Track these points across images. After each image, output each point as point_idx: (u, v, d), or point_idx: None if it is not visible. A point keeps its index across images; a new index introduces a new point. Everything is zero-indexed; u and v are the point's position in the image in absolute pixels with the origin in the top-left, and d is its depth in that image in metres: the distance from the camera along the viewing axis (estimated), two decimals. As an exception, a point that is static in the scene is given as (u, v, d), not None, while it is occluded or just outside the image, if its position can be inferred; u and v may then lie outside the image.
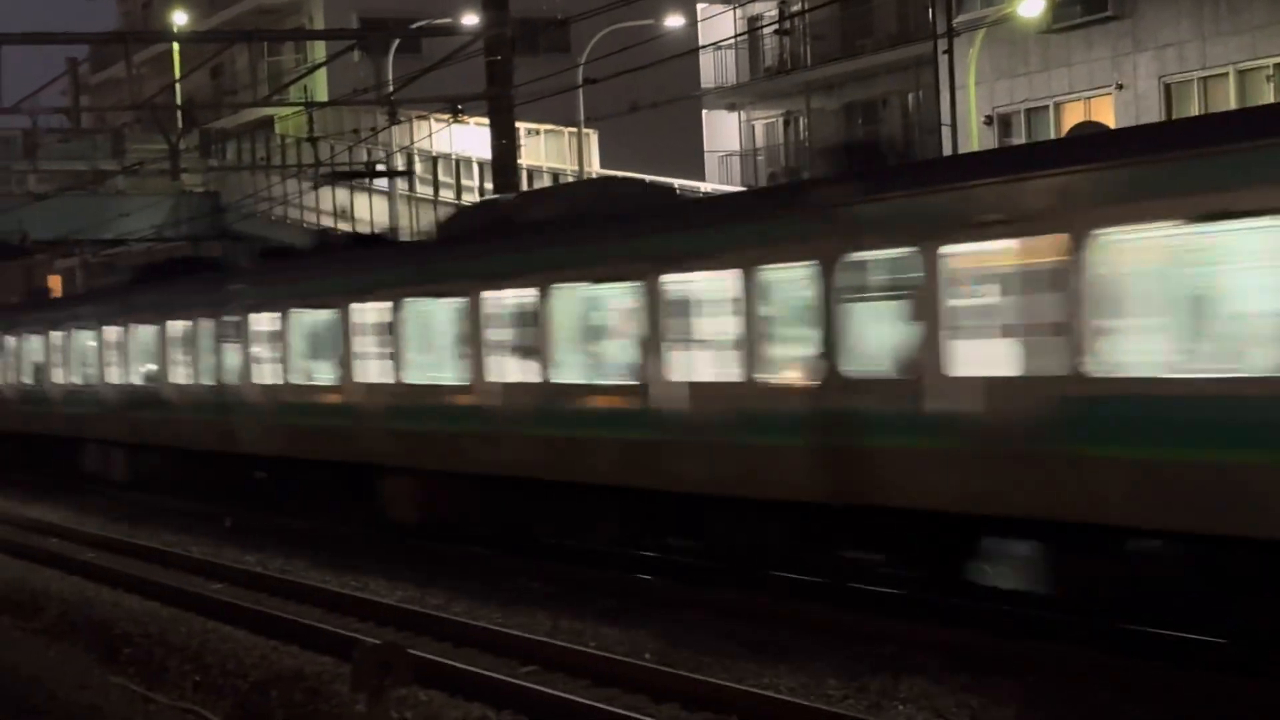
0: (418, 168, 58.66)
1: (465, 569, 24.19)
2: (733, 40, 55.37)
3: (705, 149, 64.12)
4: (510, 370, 23.58)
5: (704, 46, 52.54)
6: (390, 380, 26.38)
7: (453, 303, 24.68)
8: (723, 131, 63.64)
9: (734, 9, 57.82)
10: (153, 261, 46.28)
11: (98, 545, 29.61)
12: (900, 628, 17.82)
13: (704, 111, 63.40)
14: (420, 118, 54.27)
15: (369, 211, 57.61)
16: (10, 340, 46.08)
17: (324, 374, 28.70)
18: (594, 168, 57.76)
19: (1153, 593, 15.74)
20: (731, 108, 62.70)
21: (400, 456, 26.29)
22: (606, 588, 21.81)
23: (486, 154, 37.31)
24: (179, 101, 59.96)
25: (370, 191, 57.47)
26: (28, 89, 35.75)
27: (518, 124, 34.35)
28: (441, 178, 58.10)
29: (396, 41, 52.24)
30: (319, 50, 58.32)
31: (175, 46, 71.23)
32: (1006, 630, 17.39)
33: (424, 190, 58.41)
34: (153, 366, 35.70)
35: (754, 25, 57.91)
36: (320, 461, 28.92)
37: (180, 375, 34.08)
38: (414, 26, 48.54)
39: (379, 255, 28.61)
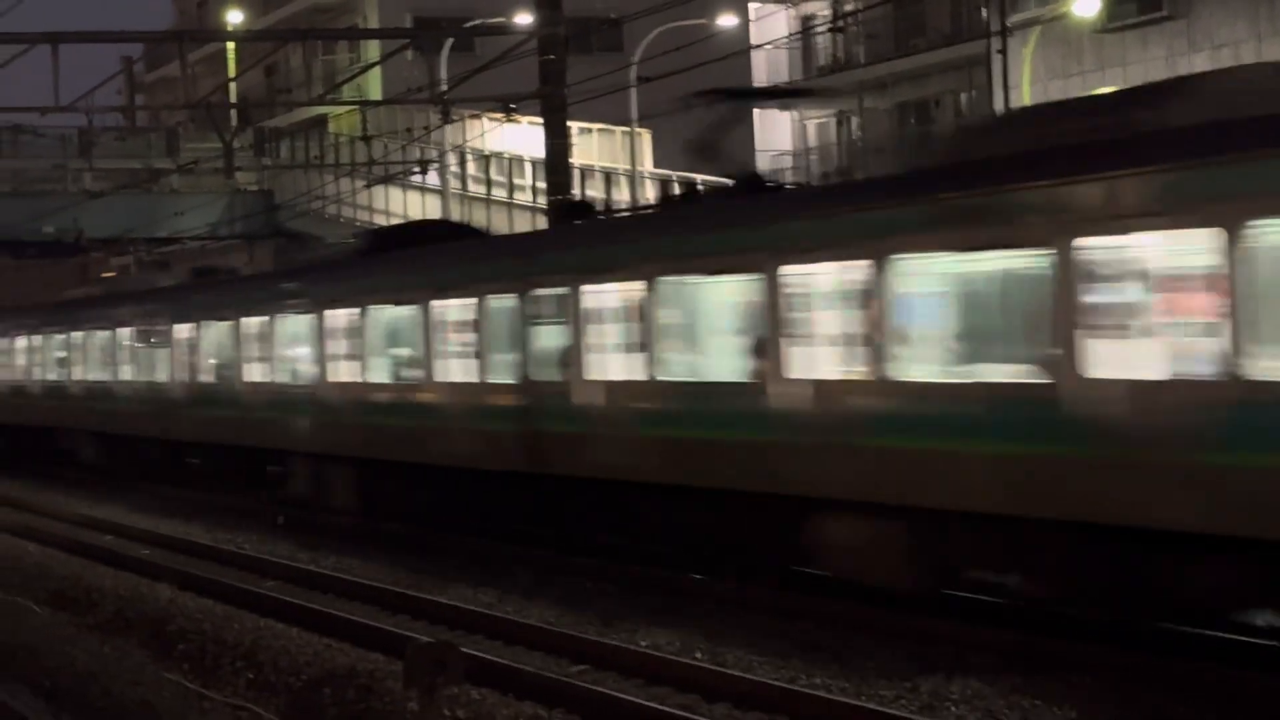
0: (470, 166, 58.74)
1: (516, 567, 24.20)
2: (786, 39, 55.31)
3: (757, 148, 64.05)
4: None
5: (757, 45, 52.49)
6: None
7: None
8: (775, 131, 63.57)
9: (787, 8, 57.76)
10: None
11: (152, 542, 29.73)
12: (952, 628, 17.78)
13: (756, 110, 63.35)
14: (473, 116, 54.34)
15: (421, 210, 57.71)
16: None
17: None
18: (647, 167, 57.76)
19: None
20: (784, 107, 62.64)
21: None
22: (657, 586, 21.80)
23: (539, 153, 37.35)
24: (233, 100, 60.27)
25: (423, 190, 57.58)
26: (84, 88, 35.93)
27: (570, 123, 34.33)
28: (494, 177, 58.17)
29: (450, 40, 52.40)
30: (373, 49, 58.43)
31: (230, 45, 71.51)
32: (1058, 631, 17.33)
33: (476, 189, 58.50)
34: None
35: (807, 24, 57.85)
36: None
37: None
38: (467, 25, 48.65)
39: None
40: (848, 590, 19.64)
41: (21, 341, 48.78)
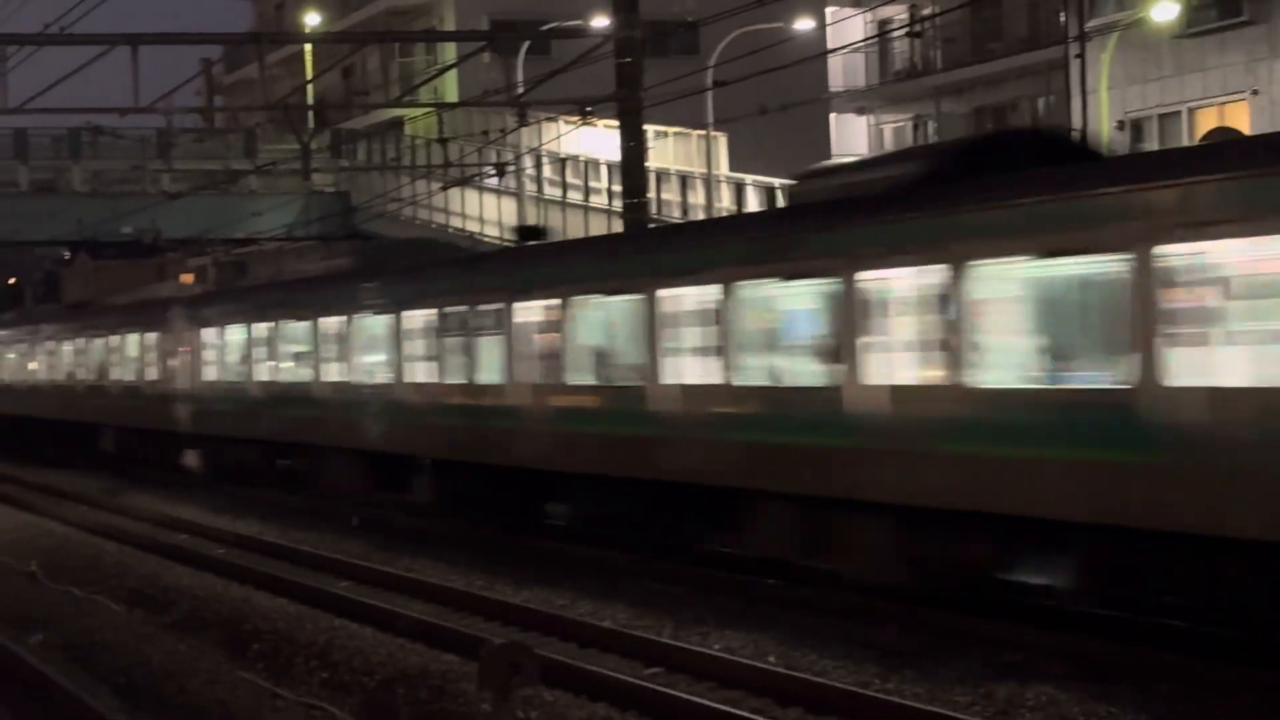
0: (546, 169, 58.83)
1: (590, 569, 24.22)
2: (862, 43, 55.18)
3: (833, 152, 63.93)
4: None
5: (833, 50, 52.38)
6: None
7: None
8: (851, 135, 63.44)
9: (864, 12, 57.61)
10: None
11: (228, 542, 29.90)
12: (1028, 634, 17.69)
13: (832, 115, 63.24)
14: (549, 119, 54.42)
15: (497, 213, 57.85)
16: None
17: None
18: (722, 170, 57.72)
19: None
20: (860, 111, 62.51)
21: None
22: (731, 590, 21.78)
23: (615, 156, 37.37)
24: (311, 102, 60.54)
25: (499, 193, 57.70)
26: (163, 89, 36.14)
27: (646, 126, 34.35)
28: (570, 180, 58.24)
29: (526, 43, 52.48)
30: (449, 51, 58.64)
31: (308, 47, 71.84)
32: (1135, 638, 17.22)
33: (552, 192, 58.58)
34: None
35: (884, 28, 57.71)
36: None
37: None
38: (544, 28, 48.73)
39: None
40: (923, 596, 19.59)
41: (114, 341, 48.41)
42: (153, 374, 44.61)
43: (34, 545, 30.36)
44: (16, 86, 34.63)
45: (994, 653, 17.29)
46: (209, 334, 40.45)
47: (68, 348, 52.59)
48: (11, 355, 60.31)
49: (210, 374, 40.35)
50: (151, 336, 44.88)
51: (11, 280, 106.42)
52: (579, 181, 57.91)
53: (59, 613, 23.05)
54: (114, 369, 48.17)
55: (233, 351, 39.07)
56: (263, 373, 37.05)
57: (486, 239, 57.26)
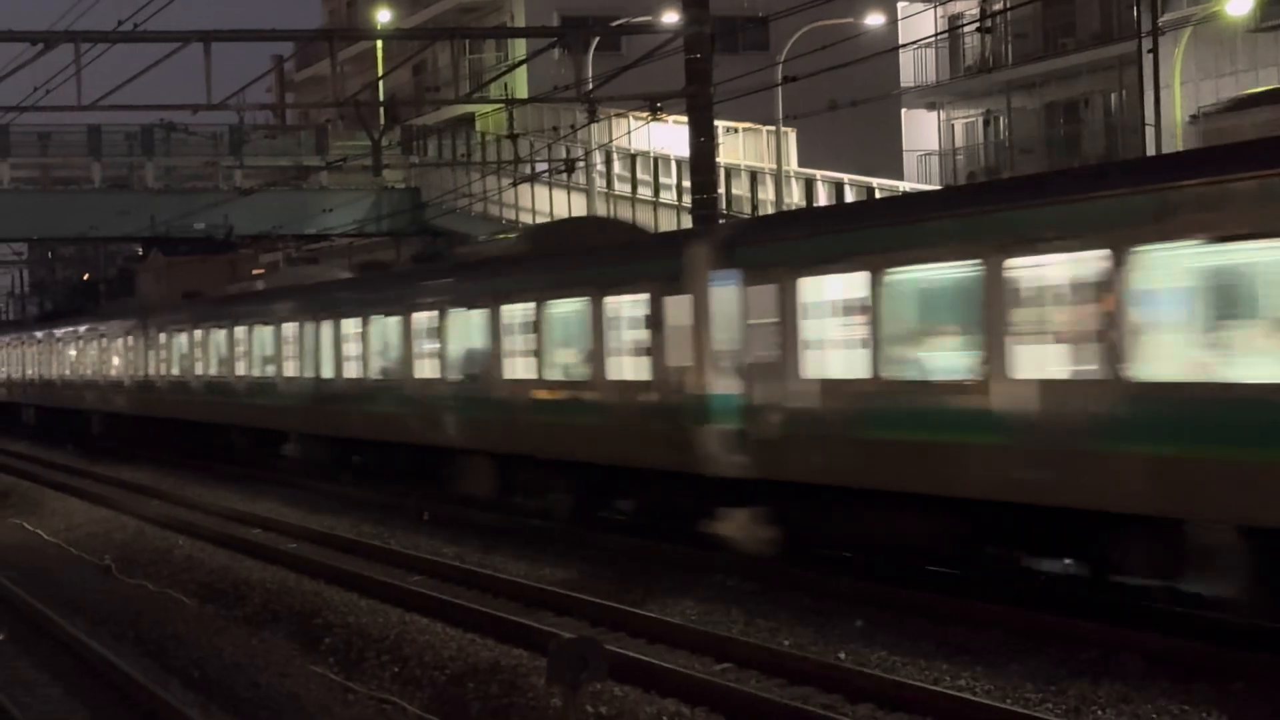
0: (616, 165, 58.89)
1: (660, 565, 24.21)
2: (933, 38, 55.05)
3: (904, 148, 63.83)
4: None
5: (904, 45, 52.31)
6: None
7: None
8: (922, 131, 63.37)
9: (935, 7, 57.50)
10: None
11: (299, 536, 30.02)
12: (1100, 631, 17.59)
13: (903, 110, 63.17)
14: (619, 115, 54.49)
15: (568, 209, 57.93)
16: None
17: None
18: (792, 166, 57.66)
19: None
20: (931, 106, 62.43)
21: None
22: (800, 587, 21.74)
23: (685, 152, 37.37)
24: (381, 98, 60.68)
25: (569, 189, 57.80)
26: (235, 86, 36.35)
27: (716, 122, 34.31)
28: (640, 175, 58.29)
29: (596, 39, 52.50)
30: (519, 48, 58.69)
31: (379, 44, 72.07)
32: (1211, 636, 17.09)
33: (622, 188, 58.64)
34: None
35: (955, 23, 57.59)
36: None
37: None
38: (614, 24, 48.74)
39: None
40: (994, 592, 19.50)
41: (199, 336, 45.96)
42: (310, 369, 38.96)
43: (108, 540, 30.59)
44: (90, 84, 34.81)
45: (1067, 649, 17.21)
46: (349, 325, 36.13)
47: (183, 339, 47.96)
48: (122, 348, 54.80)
49: (351, 370, 36.14)
50: (290, 327, 39.88)
51: (85, 276, 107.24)
52: (648, 177, 57.97)
53: (131, 606, 23.21)
54: (240, 364, 43.41)
55: (385, 344, 34.52)
56: (425, 369, 32.46)
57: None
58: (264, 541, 29.06)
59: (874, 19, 54.52)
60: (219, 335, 44.95)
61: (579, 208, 57.29)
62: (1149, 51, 45.23)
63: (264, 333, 41.61)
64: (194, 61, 33.95)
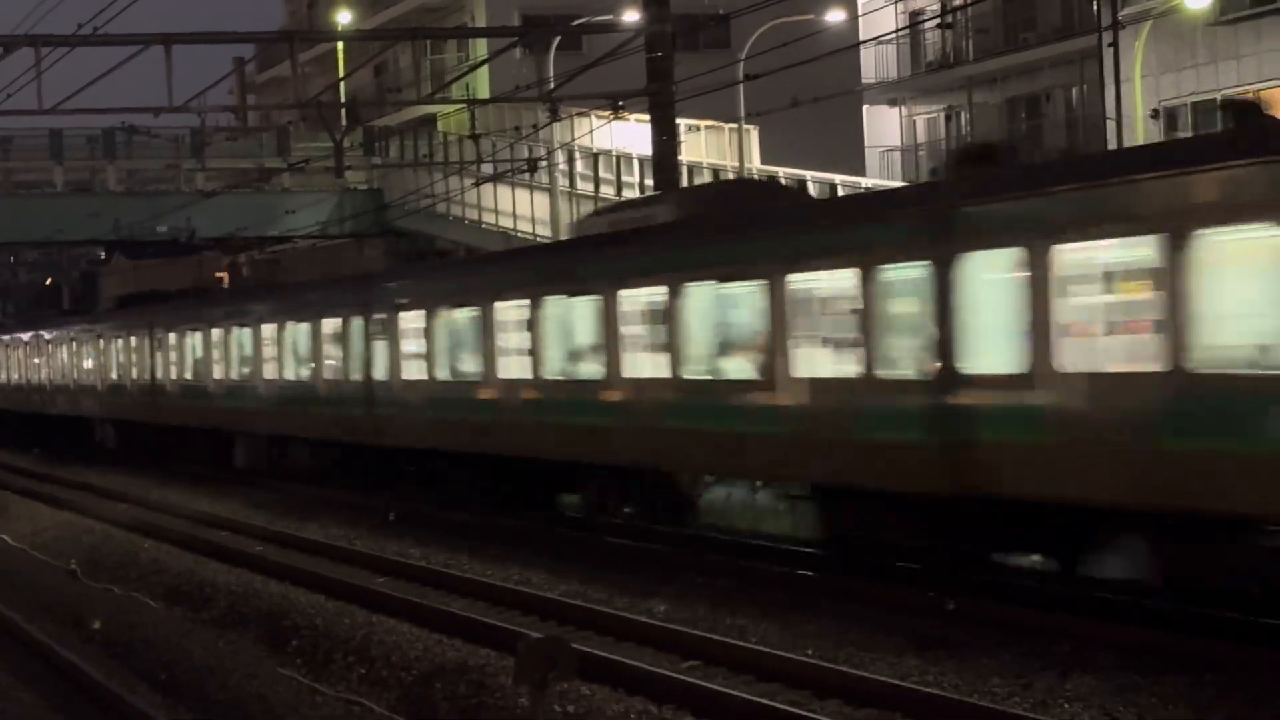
0: (579, 164, 58.87)
1: (628, 563, 24.21)
2: (894, 34, 55.11)
3: (866, 144, 63.85)
4: None
5: (865, 41, 52.33)
6: None
7: None
8: (884, 127, 63.39)
9: (895, 3, 57.56)
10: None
11: (265, 538, 29.97)
12: (1073, 625, 17.58)
13: (865, 107, 63.18)
14: (581, 114, 54.44)
15: (530, 208, 57.89)
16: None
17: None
18: (755, 163, 57.70)
19: None
20: (893, 103, 62.46)
21: None
22: (770, 582, 21.75)
23: (647, 150, 37.38)
24: (343, 99, 60.60)
25: (532, 188, 57.76)
26: (196, 88, 36.24)
27: (678, 120, 34.37)
28: (602, 174, 58.27)
29: (558, 39, 52.50)
30: (481, 48, 58.65)
31: (340, 45, 71.93)
32: (1184, 629, 17.04)
33: (585, 187, 58.61)
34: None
35: (915, 19, 57.64)
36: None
37: None
38: (575, 24, 48.73)
39: None
40: (962, 584, 19.53)
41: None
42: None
43: (75, 543, 30.51)
44: (51, 87, 34.73)
45: (1039, 643, 17.19)
46: (409, 318, 32.34)
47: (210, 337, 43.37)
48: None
49: (412, 371, 32.28)
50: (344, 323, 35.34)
51: (49, 281, 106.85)
52: (611, 176, 57.96)
53: (99, 610, 23.16)
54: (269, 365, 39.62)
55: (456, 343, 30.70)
56: (512, 369, 28.55)
57: (520, 235, 57.34)
58: (231, 544, 29.00)
59: (835, 16, 54.61)
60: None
61: (541, 207, 57.27)
62: (1109, 46, 45.35)
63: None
64: (155, 64, 33.93)
